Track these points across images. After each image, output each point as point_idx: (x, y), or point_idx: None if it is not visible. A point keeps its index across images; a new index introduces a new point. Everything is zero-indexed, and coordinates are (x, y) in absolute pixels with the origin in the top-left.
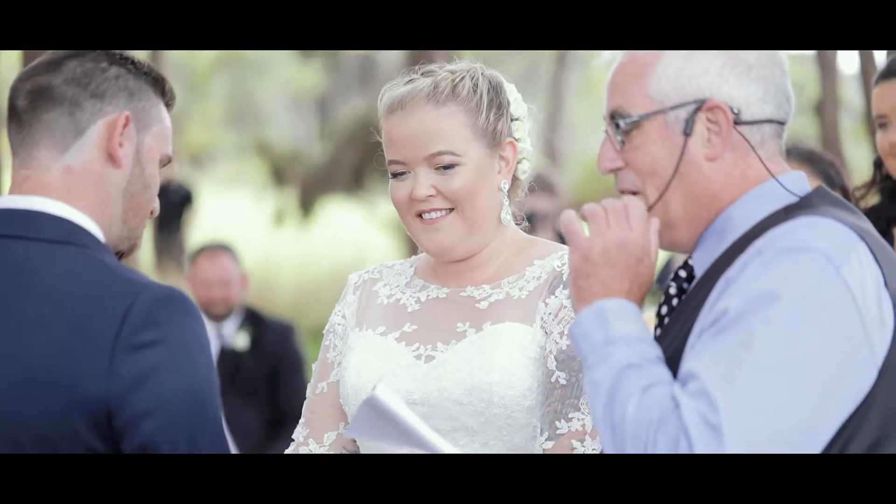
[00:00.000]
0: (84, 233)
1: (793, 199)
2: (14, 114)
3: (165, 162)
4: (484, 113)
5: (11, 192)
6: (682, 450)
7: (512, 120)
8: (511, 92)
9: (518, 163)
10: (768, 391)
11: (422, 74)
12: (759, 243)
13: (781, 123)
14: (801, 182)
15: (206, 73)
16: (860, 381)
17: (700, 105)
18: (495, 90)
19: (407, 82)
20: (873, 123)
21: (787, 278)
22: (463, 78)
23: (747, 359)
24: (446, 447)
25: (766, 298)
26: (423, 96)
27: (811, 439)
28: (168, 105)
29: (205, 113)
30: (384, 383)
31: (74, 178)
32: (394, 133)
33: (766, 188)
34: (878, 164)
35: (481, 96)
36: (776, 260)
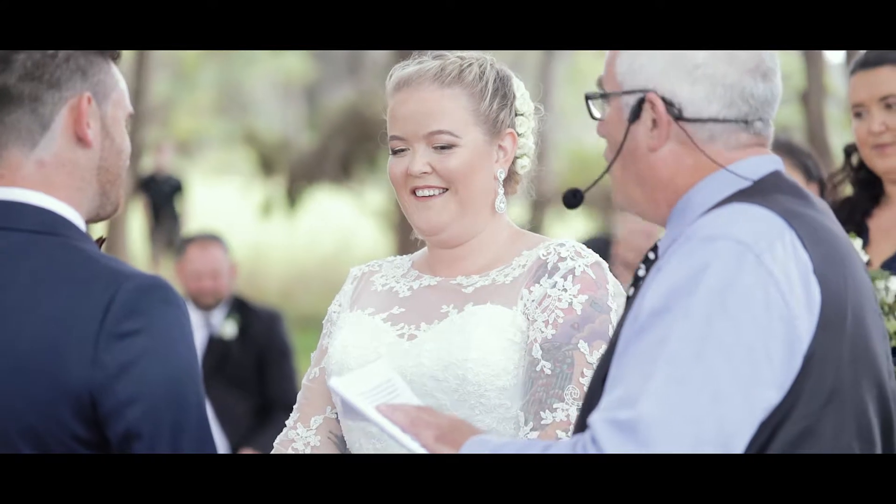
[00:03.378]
0: (65, 222)
1: (746, 185)
2: None
3: (128, 119)
4: (487, 100)
5: None
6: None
7: (516, 115)
8: (518, 87)
9: (518, 157)
10: (686, 385)
11: (432, 57)
12: (689, 230)
13: (738, 122)
14: (759, 166)
15: (194, 62)
16: (786, 368)
17: (644, 96)
18: (502, 81)
19: (417, 63)
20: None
21: (703, 268)
22: (471, 64)
23: (664, 354)
24: (406, 440)
25: (683, 291)
26: (430, 76)
27: (735, 429)
28: (115, 59)
29: (193, 102)
30: (339, 377)
31: (48, 171)
32: (397, 110)
33: (723, 174)
34: (849, 152)
35: (487, 83)
36: (696, 249)
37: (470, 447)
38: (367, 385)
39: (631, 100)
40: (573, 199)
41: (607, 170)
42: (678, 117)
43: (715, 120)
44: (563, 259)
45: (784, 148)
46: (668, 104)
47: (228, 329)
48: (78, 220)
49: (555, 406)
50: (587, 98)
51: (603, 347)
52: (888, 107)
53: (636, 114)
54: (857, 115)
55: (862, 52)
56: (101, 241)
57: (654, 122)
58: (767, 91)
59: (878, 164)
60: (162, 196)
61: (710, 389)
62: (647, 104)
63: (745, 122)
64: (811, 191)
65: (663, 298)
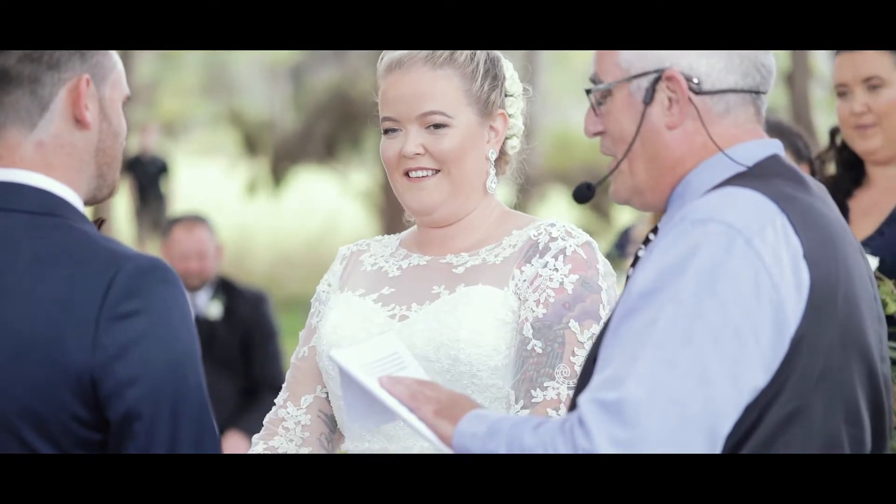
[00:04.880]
0: (64, 203)
1: (743, 168)
2: None
3: (125, 101)
4: (479, 81)
5: None
6: (579, 437)
7: (506, 95)
8: (508, 69)
9: (508, 138)
10: (673, 367)
11: None
12: (681, 212)
13: (752, 92)
14: (758, 150)
15: None
16: (774, 351)
17: (660, 74)
18: (492, 62)
19: None
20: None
21: (693, 251)
22: None
23: (652, 335)
24: (405, 414)
25: (673, 273)
26: (422, 58)
27: (721, 411)
28: None
29: (179, 82)
30: (340, 348)
31: (47, 152)
32: (389, 91)
33: (721, 157)
34: (834, 133)
35: (478, 64)
36: (687, 231)
37: (467, 421)
38: (371, 357)
39: (644, 82)
40: (587, 192)
41: (624, 156)
42: (698, 91)
43: (733, 90)
44: (553, 239)
45: (774, 128)
46: (687, 79)
47: (214, 310)
48: (77, 201)
49: (545, 385)
50: (588, 92)
51: (594, 327)
52: (871, 88)
53: (651, 94)
54: (841, 94)
55: None
56: (100, 222)
57: (671, 101)
58: (771, 63)
59: (859, 144)
60: (147, 177)
61: (696, 371)
62: (663, 82)
63: (757, 92)
64: (802, 171)
65: (653, 280)
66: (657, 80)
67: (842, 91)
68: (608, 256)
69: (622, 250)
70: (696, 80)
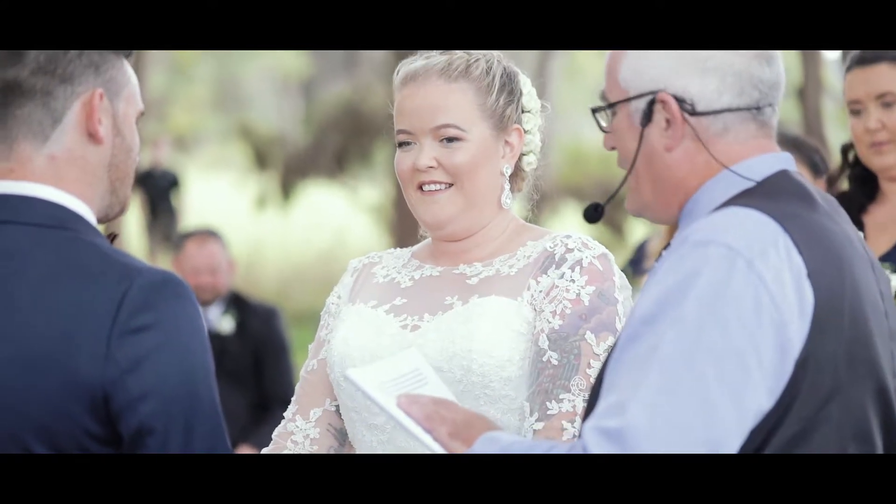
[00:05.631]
0: (76, 217)
1: (750, 185)
2: None
3: (139, 117)
4: (494, 95)
5: None
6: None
7: (523, 111)
8: (525, 84)
9: (524, 154)
10: (675, 393)
11: (439, 53)
12: (685, 233)
13: (751, 109)
14: (767, 165)
15: (190, 57)
16: (778, 374)
17: (655, 97)
18: (508, 76)
19: (424, 58)
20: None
21: (694, 274)
22: (478, 60)
23: (654, 361)
24: (420, 434)
25: (674, 298)
26: (437, 71)
27: (725, 436)
28: (128, 57)
29: (190, 96)
30: (362, 367)
31: (59, 165)
32: (405, 104)
33: (728, 173)
34: (846, 150)
35: (493, 78)
36: (687, 254)
37: (481, 444)
38: (389, 375)
39: (641, 103)
40: (594, 213)
41: (625, 179)
42: (692, 112)
43: (728, 110)
44: (570, 250)
45: (791, 143)
46: (680, 101)
47: (226, 325)
48: (89, 214)
49: (561, 397)
50: (594, 111)
51: (610, 339)
52: (886, 105)
53: (648, 116)
54: (854, 112)
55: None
56: (112, 237)
57: (668, 122)
58: (773, 75)
59: (875, 161)
60: (159, 191)
61: (699, 397)
62: (659, 104)
63: (757, 108)
64: (819, 186)
65: (654, 305)
66: (653, 102)
67: (855, 108)
68: (623, 273)
69: (636, 266)
70: (689, 103)
